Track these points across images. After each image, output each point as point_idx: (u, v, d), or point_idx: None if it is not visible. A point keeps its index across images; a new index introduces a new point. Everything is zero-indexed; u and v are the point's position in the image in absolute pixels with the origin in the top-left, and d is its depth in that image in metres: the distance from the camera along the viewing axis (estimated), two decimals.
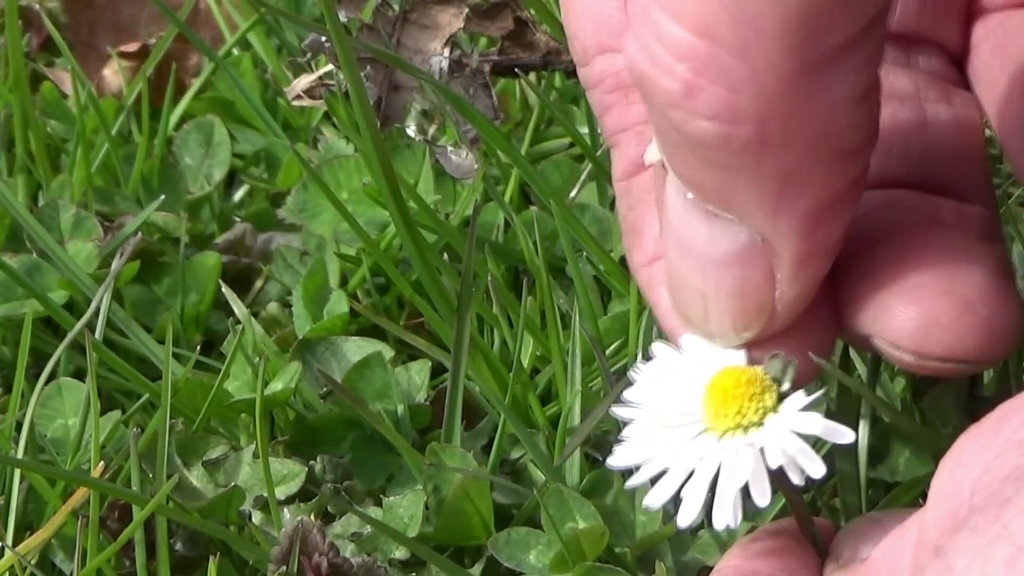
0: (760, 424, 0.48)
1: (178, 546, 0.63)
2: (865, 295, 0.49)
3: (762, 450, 0.47)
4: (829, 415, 0.56)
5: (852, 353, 0.62)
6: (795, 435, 0.47)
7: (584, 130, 0.77)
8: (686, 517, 0.48)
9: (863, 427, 0.58)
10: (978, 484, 0.43)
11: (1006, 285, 0.49)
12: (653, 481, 0.49)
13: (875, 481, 0.61)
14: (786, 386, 0.49)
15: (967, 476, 0.44)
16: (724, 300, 0.49)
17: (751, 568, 0.51)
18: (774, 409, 0.48)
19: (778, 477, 0.48)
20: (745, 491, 0.47)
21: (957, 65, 0.56)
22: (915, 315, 0.48)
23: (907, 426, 0.58)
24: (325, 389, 0.67)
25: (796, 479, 0.47)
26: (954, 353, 0.48)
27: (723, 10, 0.43)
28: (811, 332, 0.50)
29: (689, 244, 0.48)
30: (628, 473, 0.49)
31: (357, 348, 0.68)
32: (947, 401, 0.56)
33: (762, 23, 0.43)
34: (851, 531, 0.51)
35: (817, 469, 0.47)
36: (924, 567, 0.43)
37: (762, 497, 0.47)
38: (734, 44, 0.43)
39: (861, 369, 0.62)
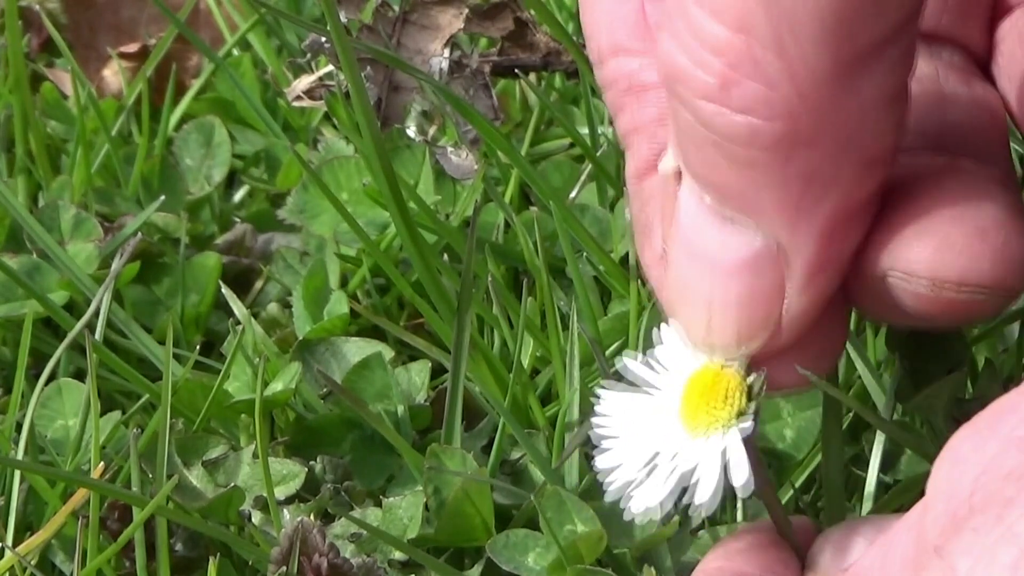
0: (714, 431, 0.49)
1: (178, 547, 0.63)
2: (880, 234, 0.49)
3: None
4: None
5: (851, 352, 0.62)
6: (709, 460, 0.48)
7: (584, 131, 0.77)
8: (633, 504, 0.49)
9: (879, 435, 0.59)
10: (977, 484, 0.43)
11: (1021, 217, 0.49)
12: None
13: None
14: (752, 404, 0.49)
15: (965, 475, 0.43)
16: (730, 309, 0.49)
17: (734, 568, 0.51)
18: (726, 424, 0.49)
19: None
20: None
21: (982, 67, 0.56)
22: (929, 241, 0.48)
23: (898, 435, 0.58)
24: (325, 390, 0.67)
25: (687, 498, 0.48)
26: (968, 277, 0.48)
27: (759, 6, 0.44)
28: (813, 350, 0.50)
29: (700, 250, 0.48)
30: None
31: (357, 349, 0.68)
32: (937, 403, 0.56)
33: (797, 18, 0.44)
34: (828, 539, 0.51)
35: (700, 496, 0.48)
36: (925, 567, 0.43)
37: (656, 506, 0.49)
38: (769, 39, 0.44)
39: (864, 373, 0.62)
